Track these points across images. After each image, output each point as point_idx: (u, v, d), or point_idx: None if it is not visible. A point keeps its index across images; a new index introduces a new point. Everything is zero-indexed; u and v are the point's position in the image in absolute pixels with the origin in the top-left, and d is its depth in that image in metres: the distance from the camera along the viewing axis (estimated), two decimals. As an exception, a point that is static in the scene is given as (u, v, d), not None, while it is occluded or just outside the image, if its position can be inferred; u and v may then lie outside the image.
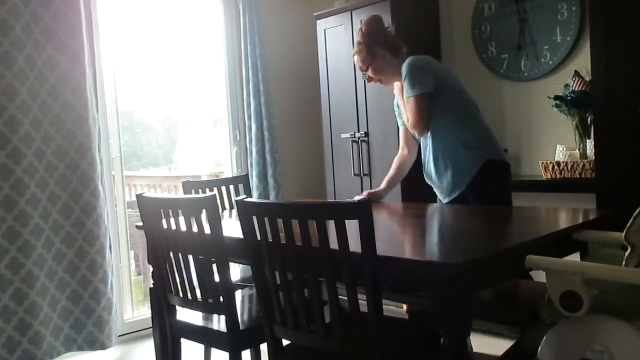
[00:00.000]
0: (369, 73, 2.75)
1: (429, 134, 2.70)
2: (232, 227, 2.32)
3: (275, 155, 4.17)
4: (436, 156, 2.70)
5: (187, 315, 2.26)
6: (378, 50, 2.70)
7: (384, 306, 1.58)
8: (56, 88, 3.19)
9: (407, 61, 2.68)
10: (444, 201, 2.74)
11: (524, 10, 3.54)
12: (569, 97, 3.17)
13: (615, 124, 2.81)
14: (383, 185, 2.93)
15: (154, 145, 5.75)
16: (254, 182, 4.11)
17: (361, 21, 2.81)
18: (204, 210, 2.00)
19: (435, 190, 2.81)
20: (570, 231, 1.92)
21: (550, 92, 3.34)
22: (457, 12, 3.87)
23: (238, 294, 2.48)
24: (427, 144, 2.76)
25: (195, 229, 2.02)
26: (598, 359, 1.54)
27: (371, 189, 3.84)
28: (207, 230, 2.01)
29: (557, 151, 3.31)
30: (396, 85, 2.81)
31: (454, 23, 3.89)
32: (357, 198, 2.75)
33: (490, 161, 2.62)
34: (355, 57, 2.76)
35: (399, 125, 2.94)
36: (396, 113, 2.94)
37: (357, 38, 2.76)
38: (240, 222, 1.78)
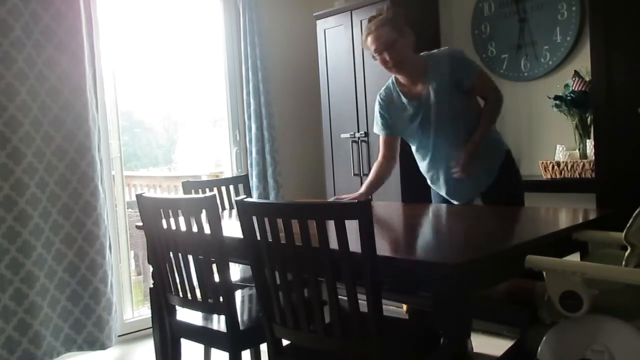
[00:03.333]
0: (387, 53, 2.46)
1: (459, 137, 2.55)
2: (232, 227, 2.32)
3: (275, 155, 4.17)
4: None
5: (187, 315, 2.25)
6: (405, 29, 2.48)
7: (384, 306, 1.58)
8: (56, 88, 3.19)
9: (451, 51, 2.60)
10: (473, 199, 2.63)
11: (524, 10, 3.54)
12: (569, 97, 3.17)
13: (615, 124, 2.82)
14: (364, 189, 2.70)
15: (154, 145, 5.76)
16: (254, 182, 4.11)
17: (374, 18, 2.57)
18: (204, 210, 2.00)
19: (451, 196, 2.66)
20: (570, 231, 1.92)
21: (550, 92, 3.34)
22: (457, 12, 3.88)
23: (238, 294, 2.48)
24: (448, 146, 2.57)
25: (195, 229, 2.02)
26: (598, 359, 1.54)
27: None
28: (207, 230, 2.01)
29: (557, 151, 3.31)
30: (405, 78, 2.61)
31: (454, 23, 3.90)
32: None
33: (508, 150, 2.66)
34: (373, 35, 2.48)
35: (379, 131, 2.74)
36: (380, 116, 2.69)
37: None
38: (240, 222, 1.78)
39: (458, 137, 2.55)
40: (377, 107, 2.73)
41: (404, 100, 2.62)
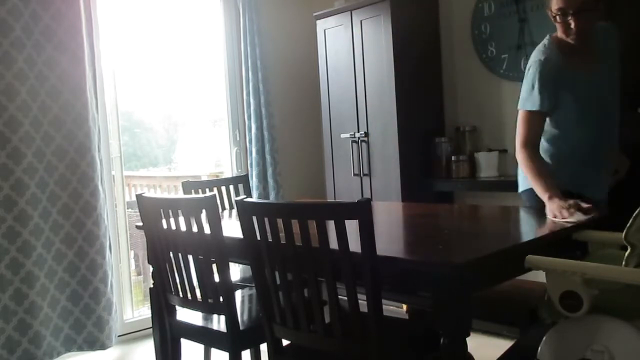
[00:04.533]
0: (575, 18, 2.00)
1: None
2: (232, 227, 2.32)
3: (275, 155, 4.18)
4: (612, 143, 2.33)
5: (187, 315, 2.26)
6: None
7: (384, 306, 1.58)
8: (56, 88, 3.19)
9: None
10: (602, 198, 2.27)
11: (523, 10, 3.54)
12: (569, 97, 3.16)
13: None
14: (552, 191, 2.06)
15: (154, 145, 5.76)
16: (254, 182, 4.12)
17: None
18: (204, 210, 2.01)
19: (593, 189, 2.27)
20: (570, 231, 1.92)
21: (550, 92, 3.34)
22: (457, 12, 3.87)
23: (238, 294, 2.48)
24: (603, 130, 2.23)
25: (195, 229, 2.02)
26: (598, 359, 1.54)
27: (371, 189, 3.87)
28: (207, 230, 2.01)
29: (557, 151, 3.30)
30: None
31: (454, 23, 3.89)
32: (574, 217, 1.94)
33: None
34: None
35: (538, 106, 2.13)
36: (545, 85, 2.11)
37: None
38: (240, 222, 1.78)
39: (616, 127, 2.23)
40: (539, 76, 2.12)
41: (570, 70, 2.13)
